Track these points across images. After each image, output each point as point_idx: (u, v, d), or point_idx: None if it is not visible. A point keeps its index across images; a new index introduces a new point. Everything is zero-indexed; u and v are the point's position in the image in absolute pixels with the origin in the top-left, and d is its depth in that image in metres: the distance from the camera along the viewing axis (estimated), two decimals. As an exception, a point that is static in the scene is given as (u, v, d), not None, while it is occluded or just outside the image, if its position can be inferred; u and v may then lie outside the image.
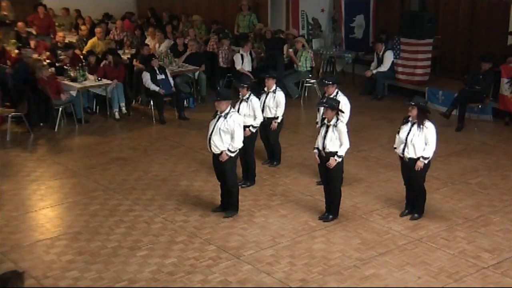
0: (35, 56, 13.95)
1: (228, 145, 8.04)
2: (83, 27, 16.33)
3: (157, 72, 12.73)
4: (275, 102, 9.63)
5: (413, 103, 7.80)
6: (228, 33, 15.70)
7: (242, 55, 13.93)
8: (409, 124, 7.90)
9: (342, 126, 7.89)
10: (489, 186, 9.31)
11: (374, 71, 14.20)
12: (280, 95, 9.67)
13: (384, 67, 14.13)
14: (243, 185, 9.17)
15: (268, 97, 9.65)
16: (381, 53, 14.23)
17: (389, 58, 14.10)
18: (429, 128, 7.82)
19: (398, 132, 8.01)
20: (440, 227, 8.00)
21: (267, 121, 9.70)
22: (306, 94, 14.44)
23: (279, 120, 9.74)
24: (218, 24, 16.74)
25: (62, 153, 11.04)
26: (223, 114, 8.03)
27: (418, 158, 7.86)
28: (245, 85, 9.20)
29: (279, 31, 15.15)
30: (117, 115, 12.86)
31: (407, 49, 13.80)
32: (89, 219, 8.36)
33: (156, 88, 12.58)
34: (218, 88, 13.87)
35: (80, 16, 18.14)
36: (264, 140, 10.05)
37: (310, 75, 14.41)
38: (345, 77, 15.56)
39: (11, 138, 11.68)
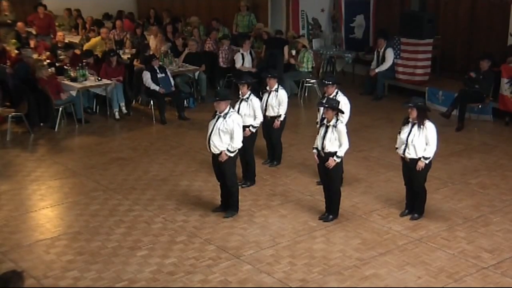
0: (35, 56, 13.95)
1: (227, 145, 8.04)
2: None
3: (158, 71, 12.75)
4: (278, 101, 9.65)
5: (411, 105, 7.80)
6: (228, 34, 15.72)
7: (242, 54, 13.95)
8: (410, 124, 7.91)
9: (342, 126, 7.89)
10: (489, 186, 9.31)
11: (377, 70, 14.18)
12: (282, 94, 9.69)
13: (386, 65, 14.11)
14: (243, 185, 9.18)
15: (270, 96, 9.67)
16: (381, 50, 14.24)
17: (390, 55, 14.10)
18: (429, 128, 7.82)
19: (399, 133, 8.02)
20: (440, 227, 8.00)
21: (270, 120, 9.73)
22: (306, 94, 14.45)
23: (282, 118, 9.76)
24: (219, 21, 16.76)
25: (62, 153, 11.04)
26: (222, 114, 8.03)
27: (419, 159, 7.87)
28: (244, 82, 9.19)
29: (279, 31, 15.15)
30: (117, 115, 12.86)
31: (407, 49, 13.79)
32: (89, 219, 8.36)
33: (157, 88, 12.58)
34: (218, 88, 13.88)
35: (80, 16, 18.14)
36: (267, 139, 10.07)
37: (311, 75, 14.43)
38: (345, 77, 15.56)
39: (11, 138, 11.68)
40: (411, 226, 8.05)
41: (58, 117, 12.19)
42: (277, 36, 14.94)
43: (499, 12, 13.57)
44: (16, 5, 17.89)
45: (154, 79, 12.65)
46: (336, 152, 7.89)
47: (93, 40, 15.29)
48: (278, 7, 16.49)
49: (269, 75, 9.73)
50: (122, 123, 12.74)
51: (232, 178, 8.25)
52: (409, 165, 8.00)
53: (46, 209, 8.76)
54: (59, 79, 12.64)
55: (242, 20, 16.54)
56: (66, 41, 15.60)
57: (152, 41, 15.34)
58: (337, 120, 7.90)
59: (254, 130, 9.25)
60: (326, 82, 9.20)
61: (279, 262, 7.21)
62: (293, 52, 14.60)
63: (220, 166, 8.18)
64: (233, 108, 8.41)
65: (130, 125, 12.60)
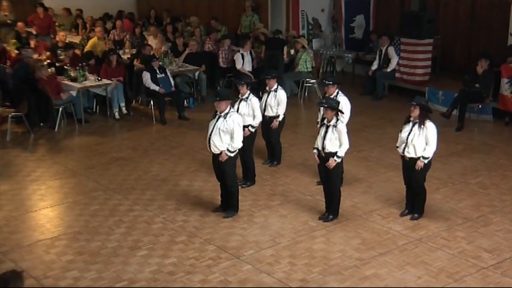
0: (35, 56, 13.95)
1: (227, 145, 8.04)
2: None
3: (157, 71, 12.75)
4: (277, 101, 9.66)
5: (415, 103, 7.81)
6: (228, 34, 15.75)
7: (242, 55, 13.95)
8: (411, 124, 7.91)
9: (342, 126, 7.89)
10: (489, 186, 9.31)
11: (389, 70, 14.14)
12: (282, 94, 9.71)
13: (393, 64, 14.07)
14: (243, 185, 9.18)
15: (269, 96, 9.68)
16: (384, 48, 14.24)
17: (394, 54, 14.08)
18: (430, 128, 7.82)
19: (401, 131, 8.02)
20: (440, 227, 8.00)
21: (269, 120, 9.74)
22: (306, 94, 14.46)
23: (280, 119, 9.76)
24: (218, 21, 16.80)
25: (62, 153, 11.04)
26: (222, 114, 8.03)
27: (419, 158, 7.87)
28: (243, 82, 9.22)
29: (277, 31, 15.17)
30: (117, 115, 12.86)
31: (407, 49, 13.79)
32: (89, 219, 8.36)
33: (156, 88, 12.59)
34: (218, 88, 13.88)
35: (80, 16, 18.14)
36: (266, 139, 10.07)
37: (311, 75, 14.43)
38: (345, 77, 15.56)
39: (11, 138, 11.68)
40: (411, 226, 8.05)
41: (58, 117, 12.18)
42: (276, 37, 14.95)
43: (499, 12, 13.58)
44: (16, 5, 17.89)
45: (154, 80, 12.65)
46: (336, 152, 7.90)
47: (91, 41, 15.28)
48: (278, 7, 16.51)
49: (268, 76, 9.74)
50: (122, 123, 12.74)
51: (232, 178, 8.25)
52: (408, 164, 8.01)
53: (46, 209, 8.76)
54: (59, 79, 12.65)
55: (245, 20, 16.62)
56: (66, 41, 15.62)
57: (152, 42, 15.34)
58: (337, 120, 7.90)
59: (253, 130, 9.26)
60: (327, 82, 9.20)
61: (279, 262, 7.21)
62: (292, 51, 14.62)
63: (220, 166, 8.18)
64: (233, 108, 8.41)
65: (130, 125, 12.60)
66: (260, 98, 9.63)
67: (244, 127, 8.80)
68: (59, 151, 11.16)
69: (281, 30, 15.47)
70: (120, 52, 14.64)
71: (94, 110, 13.31)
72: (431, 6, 14.57)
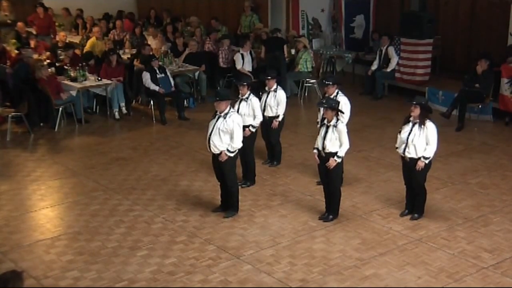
0: (35, 56, 13.95)
1: (227, 145, 8.04)
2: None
3: (157, 71, 12.76)
4: (276, 101, 9.66)
5: (415, 103, 7.81)
6: (228, 34, 15.75)
7: (242, 55, 13.95)
8: (410, 124, 7.91)
9: (342, 126, 7.89)
10: (489, 186, 9.31)
11: (389, 70, 14.15)
12: (281, 94, 9.71)
13: (393, 64, 14.07)
14: (243, 185, 9.18)
15: (269, 96, 9.68)
16: (384, 48, 14.24)
17: (394, 54, 14.08)
18: (430, 128, 7.82)
19: (400, 132, 8.02)
20: (440, 227, 8.00)
21: (268, 120, 9.74)
22: (306, 94, 14.46)
23: (280, 119, 9.77)
24: (218, 21, 16.81)
25: (62, 153, 11.04)
26: (222, 114, 8.03)
27: (419, 158, 7.87)
28: (244, 83, 9.23)
29: (276, 30, 15.17)
30: (117, 115, 12.87)
31: (407, 49, 13.79)
32: (89, 219, 8.36)
33: (156, 88, 12.59)
34: (218, 88, 13.88)
35: (81, 16, 18.14)
36: (266, 139, 10.08)
37: (311, 75, 14.43)
38: (345, 77, 15.56)
39: (11, 138, 11.68)
40: (411, 226, 8.05)
41: (58, 117, 12.19)
42: (275, 36, 14.93)
43: (499, 12, 13.58)
44: (16, 5, 17.89)
45: (154, 80, 12.66)
46: (336, 152, 7.90)
47: (89, 41, 15.27)
48: (278, 7, 16.51)
49: (268, 78, 9.73)
50: (122, 123, 12.74)
51: (232, 178, 8.25)
52: (409, 165, 8.01)
53: (46, 209, 8.76)
54: (59, 79, 12.65)
55: (245, 20, 16.64)
56: (66, 41, 15.62)
57: (151, 42, 15.35)
58: (337, 120, 7.90)
59: (253, 130, 9.26)
60: (327, 82, 9.20)
61: (279, 262, 7.21)
62: (293, 51, 14.61)
63: (220, 166, 8.18)
64: (233, 108, 8.41)
65: (130, 125, 12.61)
66: (259, 98, 9.63)
67: (245, 127, 8.81)
68: (59, 151, 11.16)
69: (280, 29, 15.47)
70: (120, 52, 14.64)
71: (94, 110, 13.31)
72: (431, 6, 14.57)
